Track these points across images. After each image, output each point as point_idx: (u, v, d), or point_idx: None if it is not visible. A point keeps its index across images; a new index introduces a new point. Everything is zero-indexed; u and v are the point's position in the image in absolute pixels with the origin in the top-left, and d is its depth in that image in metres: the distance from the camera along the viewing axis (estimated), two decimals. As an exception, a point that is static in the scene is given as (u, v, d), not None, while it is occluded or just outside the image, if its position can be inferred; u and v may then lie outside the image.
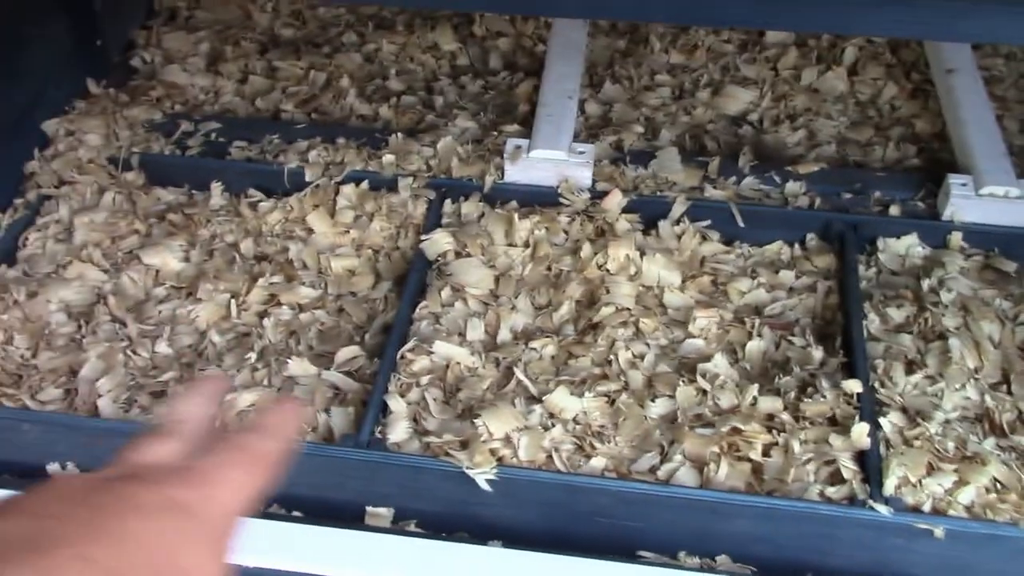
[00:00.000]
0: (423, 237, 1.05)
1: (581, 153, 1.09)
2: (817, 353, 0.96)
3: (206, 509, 0.40)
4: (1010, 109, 1.24)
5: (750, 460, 0.88)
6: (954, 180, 1.05)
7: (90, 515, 0.37)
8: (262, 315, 1.01)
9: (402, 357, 0.95)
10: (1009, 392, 0.94)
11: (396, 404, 0.91)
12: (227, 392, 0.69)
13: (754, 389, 0.91)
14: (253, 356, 0.96)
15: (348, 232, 1.08)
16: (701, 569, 0.85)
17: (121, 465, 0.43)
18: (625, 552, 0.86)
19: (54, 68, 1.20)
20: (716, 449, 0.87)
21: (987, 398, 0.92)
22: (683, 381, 0.93)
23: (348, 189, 1.11)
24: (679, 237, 1.07)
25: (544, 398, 0.91)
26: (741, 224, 1.07)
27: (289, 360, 0.95)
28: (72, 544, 0.35)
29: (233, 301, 1.02)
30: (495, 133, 1.16)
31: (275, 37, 1.38)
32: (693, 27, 1.35)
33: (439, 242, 1.05)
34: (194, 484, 0.41)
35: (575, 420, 0.91)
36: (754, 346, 0.98)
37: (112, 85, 1.27)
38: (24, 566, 0.34)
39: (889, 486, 0.83)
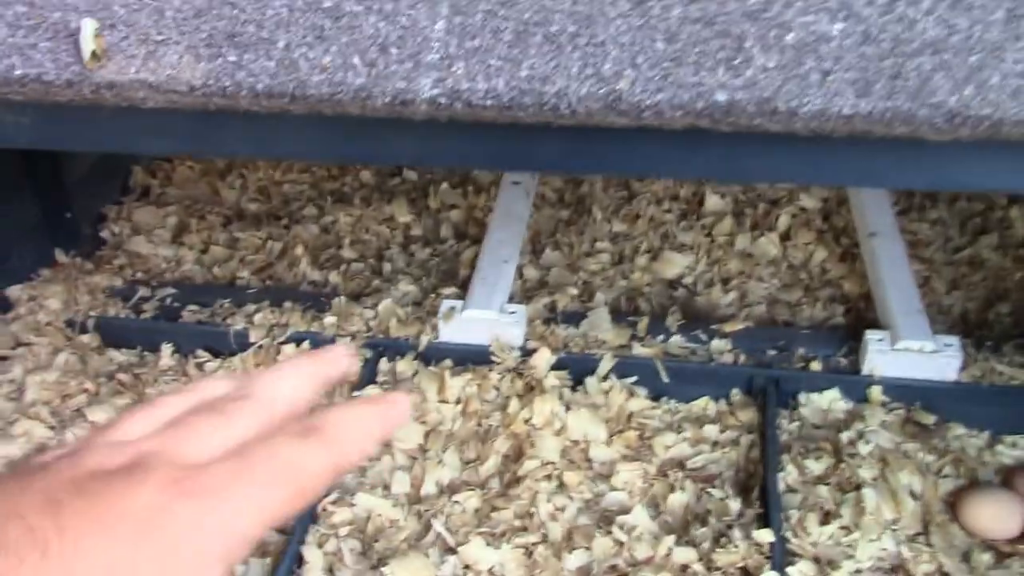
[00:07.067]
0: (355, 393, 1.08)
1: (512, 313, 1.14)
2: (735, 504, 0.97)
3: (198, 526, 0.34)
4: (938, 271, 1.28)
5: (662, 610, 0.87)
6: (872, 336, 1.09)
7: (58, 523, 0.32)
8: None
9: (323, 509, 0.96)
10: (928, 544, 0.94)
11: (311, 554, 0.92)
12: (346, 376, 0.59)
13: (670, 540, 0.92)
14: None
15: (285, 390, 1.11)
16: None
17: (112, 449, 0.36)
18: None
19: (19, 238, 1.27)
20: (628, 600, 0.87)
21: (904, 549, 0.92)
22: (600, 533, 0.94)
23: (289, 349, 1.15)
24: (606, 393, 1.10)
25: (459, 549, 0.92)
26: (666, 380, 1.10)
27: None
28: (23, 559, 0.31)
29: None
30: (434, 296, 1.21)
31: (240, 211, 1.46)
32: (636, 197, 1.42)
33: (371, 398, 1.08)
34: (193, 493, 0.34)
35: (491, 571, 0.92)
36: (675, 499, 0.99)
37: (81, 256, 1.34)
38: None
39: (794, 634, 0.82)
